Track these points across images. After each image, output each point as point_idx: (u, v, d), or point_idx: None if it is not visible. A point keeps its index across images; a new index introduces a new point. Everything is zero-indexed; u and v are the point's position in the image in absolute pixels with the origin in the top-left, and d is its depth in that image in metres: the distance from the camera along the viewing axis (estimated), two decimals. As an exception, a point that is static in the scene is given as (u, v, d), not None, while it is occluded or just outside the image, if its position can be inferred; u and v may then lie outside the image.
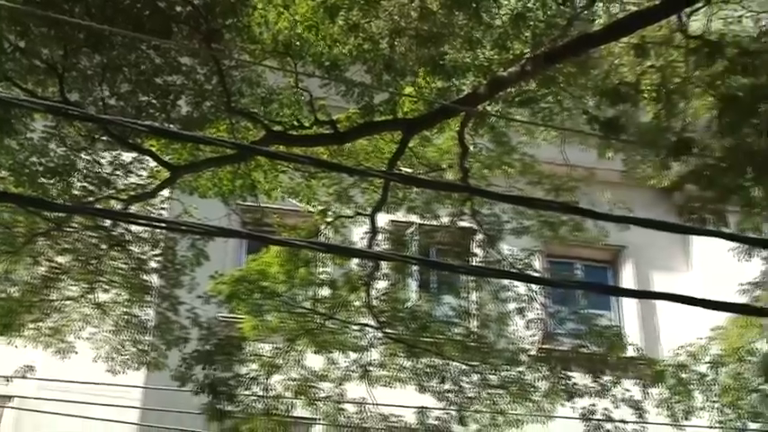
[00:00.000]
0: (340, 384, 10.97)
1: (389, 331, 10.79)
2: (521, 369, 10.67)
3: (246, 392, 10.42)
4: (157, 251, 10.44)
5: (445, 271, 12.27)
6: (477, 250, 11.58)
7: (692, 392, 10.30)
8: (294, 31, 8.68)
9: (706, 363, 10.40)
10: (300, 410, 10.98)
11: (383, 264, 10.84)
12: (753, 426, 10.07)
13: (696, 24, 8.86)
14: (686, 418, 10.35)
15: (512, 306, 11.05)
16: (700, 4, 8.66)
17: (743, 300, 10.11)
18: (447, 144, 10.48)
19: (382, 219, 11.09)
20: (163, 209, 10.49)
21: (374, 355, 10.96)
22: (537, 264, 12.41)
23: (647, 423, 10.57)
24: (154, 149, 9.44)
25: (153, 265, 10.44)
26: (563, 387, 10.57)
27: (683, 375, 10.39)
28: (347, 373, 10.97)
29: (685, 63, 8.79)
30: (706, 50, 8.44)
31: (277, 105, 9.36)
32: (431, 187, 10.28)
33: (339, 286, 10.83)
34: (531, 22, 8.69)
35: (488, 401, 10.82)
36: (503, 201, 6.63)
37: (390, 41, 8.84)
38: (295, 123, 9.29)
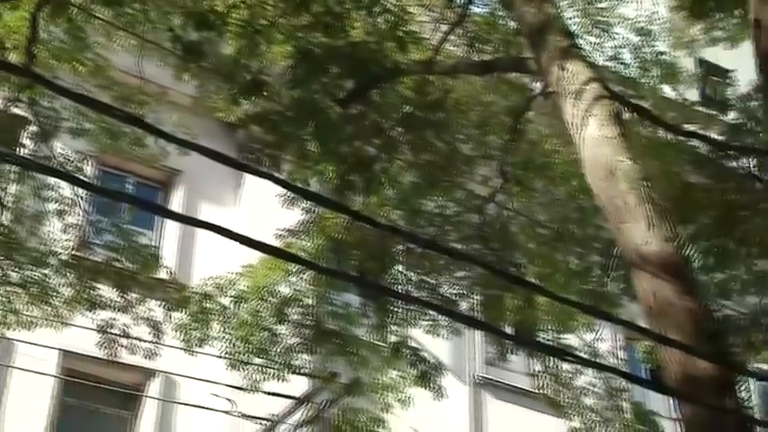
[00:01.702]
0: None
1: None
2: (46, 271, 10.31)
3: None
4: None
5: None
6: (28, 142, 10.94)
7: (210, 322, 10.68)
8: None
9: (230, 296, 10.82)
10: None
11: None
12: (257, 360, 10.67)
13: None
14: (200, 345, 10.71)
15: (52, 206, 10.62)
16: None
17: (277, 243, 10.66)
18: (17, 23, 9.71)
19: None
20: None
21: None
22: (88, 170, 12.03)
23: (161, 344, 10.78)
24: None
25: None
26: (87, 297, 10.40)
27: (207, 305, 10.72)
28: None
29: (274, 8, 9.00)
30: (296, 0, 8.72)
31: None
32: (-11, 64, 9.46)
33: None
34: None
35: (3, 299, 10.31)
36: (66, 96, 6.28)
37: None
38: None
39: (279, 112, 9.06)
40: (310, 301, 11.04)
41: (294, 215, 10.95)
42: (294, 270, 10.69)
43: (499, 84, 11.13)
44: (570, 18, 11.05)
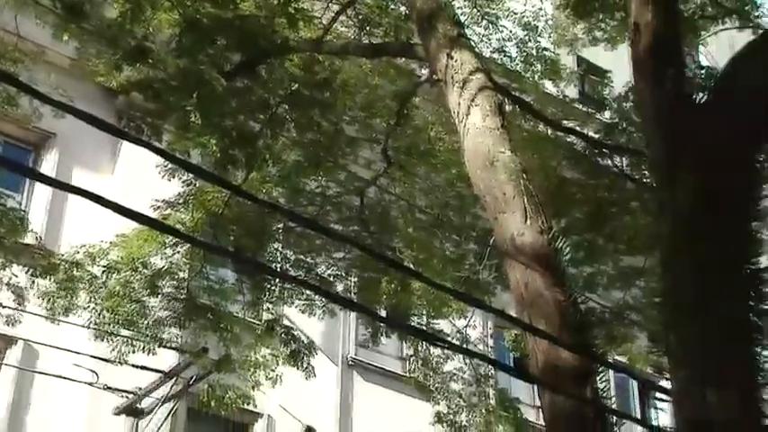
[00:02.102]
0: None
1: None
2: None
3: None
4: None
5: None
6: None
7: (78, 291, 10.39)
8: None
9: (101, 266, 10.55)
10: None
11: None
12: (124, 332, 10.44)
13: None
14: (65, 314, 10.42)
15: None
16: None
17: (154, 214, 10.44)
18: None
19: None
20: None
21: None
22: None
23: (23, 311, 10.44)
24: None
25: None
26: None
27: (76, 273, 10.42)
28: None
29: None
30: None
31: None
32: None
33: None
34: None
35: None
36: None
37: None
38: None
39: (162, 81, 8.85)
40: (184, 275, 10.87)
41: (172, 187, 10.75)
42: (170, 242, 10.50)
43: (387, 68, 11.18)
44: (459, 8, 11.18)
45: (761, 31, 10.47)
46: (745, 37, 11.26)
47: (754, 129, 4.84)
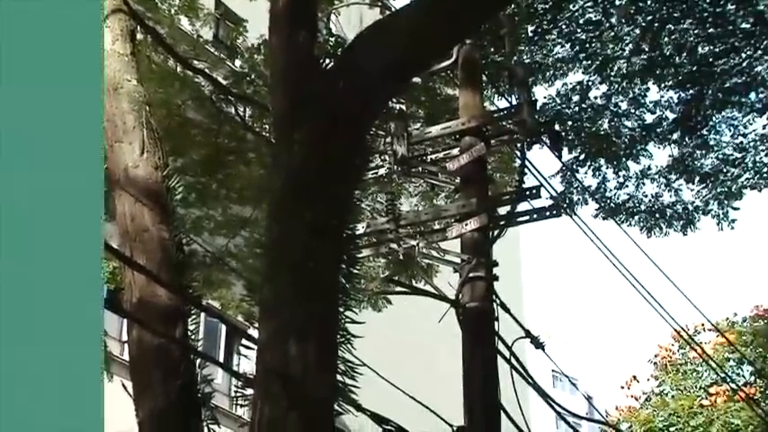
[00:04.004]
0: None
1: None
2: None
3: None
4: None
5: None
6: None
7: None
8: None
9: None
10: None
11: None
12: None
13: None
14: None
15: None
16: None
17: None
18: None
19: None
20: None
21: None
22: None
23: None
24: None
25: None
26: None
27: None
28: None
29: None
30: None
31: None
32: None
33: None
34: None
35: None
36: None
37: None
38: None
39: None
40: None
41: None
42: None
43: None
44: None
45: (387, 12, 11.15)
46: (374, 15, 11.92)
47: (365, 105, 5.10)
